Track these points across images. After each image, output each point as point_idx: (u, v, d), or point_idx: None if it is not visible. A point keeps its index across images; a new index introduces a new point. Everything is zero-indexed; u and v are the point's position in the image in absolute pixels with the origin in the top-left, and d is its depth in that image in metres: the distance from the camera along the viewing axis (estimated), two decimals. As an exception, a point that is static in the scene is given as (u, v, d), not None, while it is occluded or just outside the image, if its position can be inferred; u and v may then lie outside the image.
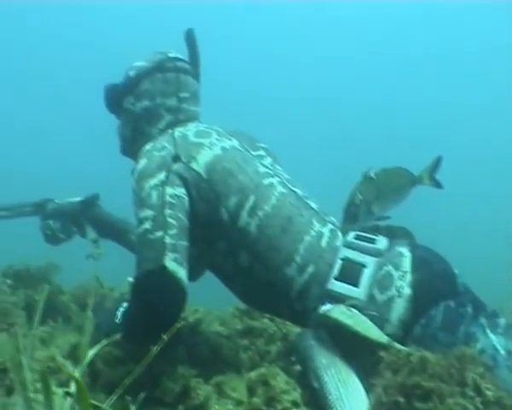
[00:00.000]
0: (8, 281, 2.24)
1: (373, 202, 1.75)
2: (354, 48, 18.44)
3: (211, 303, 2.45)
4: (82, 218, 2.23)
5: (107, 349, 1.67)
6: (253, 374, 1.44)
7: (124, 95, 1.88)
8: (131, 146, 1.88)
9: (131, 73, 1.89)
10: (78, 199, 2.25)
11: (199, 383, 1.53)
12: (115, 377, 1.54)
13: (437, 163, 1.88)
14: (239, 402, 1.44)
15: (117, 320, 1.69)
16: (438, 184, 1.89)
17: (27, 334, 1.65)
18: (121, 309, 1.71)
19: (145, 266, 1.53)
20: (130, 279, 2.41)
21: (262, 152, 1.87)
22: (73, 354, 1.66)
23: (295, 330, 2.05)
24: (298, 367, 1.85)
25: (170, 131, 1.79)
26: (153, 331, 1.55)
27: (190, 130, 1.79)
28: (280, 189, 1.74)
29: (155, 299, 1.51)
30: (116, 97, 1.89)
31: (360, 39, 18.44)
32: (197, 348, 1.85)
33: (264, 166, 1.80)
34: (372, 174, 1.77)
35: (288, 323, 2.07)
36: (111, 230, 2.22)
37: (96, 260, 2.17)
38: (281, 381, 1.39)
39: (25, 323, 1.82)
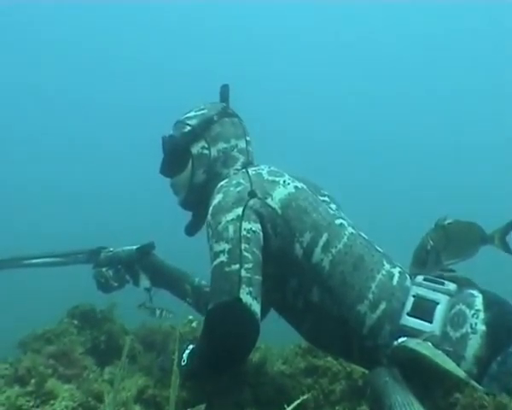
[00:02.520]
0: (75, 321, 2.29)
1: (442, 250, 1.76)
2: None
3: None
4: (137, 266, 2.23)
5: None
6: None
7: (192, 142, 1.89)
8: (202, 191, 1.88)
9: (194, 122, 1.92)
10: (133, 247, 2.26)
11: (268, 425, 1.51)
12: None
13: (509, 226, 1.84)
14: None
15: (183, 362, 1.70)
16: (507, 249, 1.85)
17: (97, 378, 1.70)
18: (187, 351, 1.73)
19: (220, 297, 1.53)
20: (190, 317, 2.45)
21: (327, 198, 1.89)
22: (140, 397, 1.68)
23: (360, 369, 2.00)
24: (364, 408, 1.82)
25: (243, 170, 1.84)
26: (223, 364, 1.57)
27: (263, 169, 1.82)
28: (350, 229, 1.77)
29: (229, 331, 1.51)
30: (183, 146, 1.90)
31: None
32: (262, 388, 1.83)
33: (331, 209, 1.83)
34: (445, 223, 1.77)
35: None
36: (165, 279, 2.21)
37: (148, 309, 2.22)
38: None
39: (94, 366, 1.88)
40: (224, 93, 2.04)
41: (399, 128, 17.43)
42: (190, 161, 1.89)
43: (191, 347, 1.74)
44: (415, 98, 18.24)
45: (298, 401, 1.35)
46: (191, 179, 1.90)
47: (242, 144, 1.94)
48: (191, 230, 2.01)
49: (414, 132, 17.13)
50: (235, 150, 1.91)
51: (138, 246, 2.24)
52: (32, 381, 1.55)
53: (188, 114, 1.96)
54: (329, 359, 2.11)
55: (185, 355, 1.72)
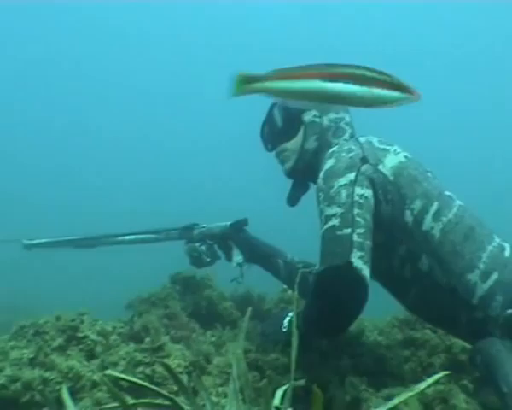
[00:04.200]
0: (177, 287, 2.40)
1: None
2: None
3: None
4: (230, 242, 2.28)
5: (275, 356, 1.75)
6: (429, 390, 1.40)
7: (304, 110, 1.91)
8: (312, 159, 1.90)
9: None
10: (227, 223, 2.30)
11: (370, 394, 1.54)
12: (283, 384, 1.59)
13: None
14: (412, 417, 1.41)
15: (284, 329, 1.76)
16: None
17: (204, 340, 1.79)
18: (287, 318, 1.78)
19: (331, 261, 1.55)
20: (285, 287, 2.49)
21: (430, 174, 1.85)
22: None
23: (460, 343, 1.97)
24: (465, 382, 1.79)
25: (353, 138, 1.85)
26: (330, 328, 1.59)
27: (373, 138, 1.82)
28: (458, 202, 1.74)
29: (338, 294, 1.52)
30: (297, 111, 1.91)
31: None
32: (361, 358, 1.86)
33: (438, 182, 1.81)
34: None
35: (450, 335, 2.01)
36: (258, 254, 2.24)
37: (240, 284, 2.28)
38: (461, 400, 1.34)
39: (199, 329, 1.98)
40: None
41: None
42: (302, 129, 1.91)
43: (291, 314, 1.79)
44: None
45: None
46: (302, 146, 1.90)
47: (348, 118, 1.95)
48: (293, 200, 2.04)
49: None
50: (343, 122, 1.92)
51: (232, 222, 2.29)
52: (147, 339, 1.66)
53: None
54: (427, 331, 2.09)
55: (286, 322, 1.77)
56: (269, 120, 2.00)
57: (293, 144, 1.93)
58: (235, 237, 2.26)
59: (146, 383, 0.85)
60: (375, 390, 1.64)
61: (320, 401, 0.80)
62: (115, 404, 0.90)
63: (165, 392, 0.82)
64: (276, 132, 1.97)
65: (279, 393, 1.18)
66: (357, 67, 1.24)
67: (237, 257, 2.23)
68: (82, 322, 1.78)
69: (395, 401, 0.86)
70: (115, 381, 1.55)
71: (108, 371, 0.82)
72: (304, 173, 1.95)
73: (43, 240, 2.39)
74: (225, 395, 1.48)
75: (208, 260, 2.30)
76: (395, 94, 1.25)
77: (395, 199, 1.67)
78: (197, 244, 2.29)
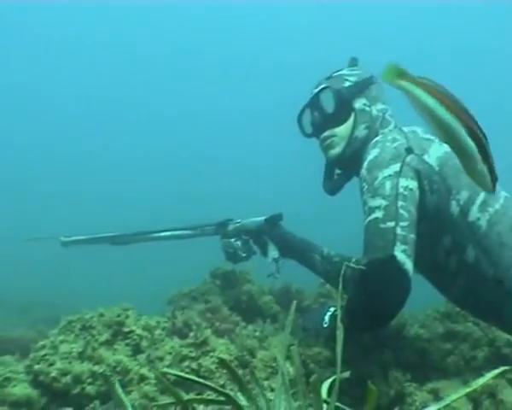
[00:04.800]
0: (217, 281, 2.42)
1: None
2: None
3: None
4: (265, 237, 2.25)
5: (317, 350, 1.76)
6: (476, 383, 1.39)
7: (355, 97, 1.90)
8: (360, 147, 1.88)
9: (353, 79, 1.92)
10: (262, 218, 2.28)
11: (414, 388, 1.53)
12: (326, 378, 1.60)
13: None
14: (460, 412, 1.41)
15: (325, 324, 1.76)
16: None
17: (248, 334, 1.81)
18: (328, 313, 1.78)
19: (374, 254, 1.55)
20: (322, 281, 2.49)
21: None
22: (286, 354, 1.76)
23: (504, 335, 1.94)
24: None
25: (397, 128, 1.85)
26: (372, 321, 1.59)
27: (417, 128, 1.81)
28: (504, 193, 1.74)
29: (381, 288, 1.52)
30: (348, 98, 1.89)
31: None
32: (403, 351, 1.85)
33: None
34: None
35: (494, 328, 1.98)
36: (294, 249, 2.20)
37: (276, 279, 2.24)
38: (509, 394, 1.33)
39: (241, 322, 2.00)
40: (354, 63, 2.03)
41: None
42: (352, 115, 1.88)
43: (333, 309, 1.80)
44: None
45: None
46: (352, 133, 1.88)
47: (390, 111, 1.94)
48: (334, 189, 2.03)
49: None
50: (388, 114, 1.92)
51: (267, 217, 2.27)
52: (191, 334, 1.69)
53: (341, 72, 1.96)
54: (470, 324, 2.07)
55: (327, 317, 1.78)
56: (315, 105, 1.96)
57: (342, 130, 1.90)
58: (270, 233, 2.24)
59: (205, 381, 0.87)
60: (419, 384, 1.63)
61: (375, 397, 0.80)
62: (170, 400, 0.92)
63: (221, 388, 0.84)
64: (324, 117, 1.94)
65: (325, 386, 1.19)
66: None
67: (273, 252, 2.20)
68: (127, 317, 1.81)
69: (453, 397, 0.85)
70: (157, 376, 1.60)
71: (166, 369, 0.84)
72: (349, 162, 1.92)
73: (80, 237, 2.43)
74: (271, 389, 1.50)
75: (244, 255, 2.29)
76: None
77: (441, 189, 1.66)
78: (232, 240, 2.29)
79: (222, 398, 0.86)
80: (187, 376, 0.86)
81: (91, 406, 1.51)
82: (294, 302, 1.20)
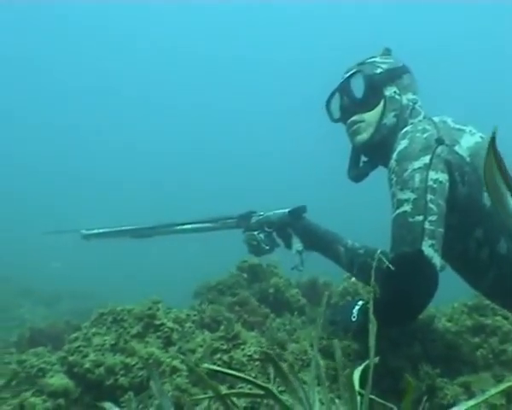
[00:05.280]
0: (244, 275, 2.44)
1: None
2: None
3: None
4: (289, 229, 2.21)
5: (347, 343, 1.76)
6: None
7: (386, 83, 1.87)
8: (388, 135, 1.85)
9: (385, 66, 1.90)
10: (285, 210, 2.24)
11: (445, 382, 1.53)
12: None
13: None
14: (493, 407, 1.41)
15: (353, 318, 1.76)
16: None
17: (278, 327, 1.83)
18: (357, 307, 1.78)
19: (401, 248, 1.54)
20: (347, 274, 2.48)
21: None
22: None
23: (534, 329, 1.93)
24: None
25: (427, 118, 1.82)
26: (399, 317, 1.58)
27: (447, 118, 1.79)
28: None
29: (408, 283, 1.51)
30: (379, 84, 1.87)
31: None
32: (432, 344, 1.85)
33: None
34: None
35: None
36: (318, 241, 2.17)
37: (300, 272, 2.20)
38: (543, 389, 1.32)
39: (271, 316, 2.01)
40: (387, 53, 2.00)
41: None
42: (382, 102, 1.86)
43: (361, 302, 1.79)
44: None
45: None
46: (381, 119, 1.86)
47: (421, 101, 1.92)
48: (359, 176, 2.02)
49: None
50: (418, 104, 1.89)
51: (290, 209, 2.23)
52: (222, 327, 1.71)
53: (373, 59, 1.94)
54: (498, 318, 2.06)
55: (355, 311, 1.77)
56: (345, 89, 1.94)
57: (371, 116, 1.87)
58: (293, 225, 2.20)
59: (248, 377, 0.88)
60: (450, 378, 1.63)
61: (412, 392, 0.81)
62: (203, 392, 0.93)
63: (261, 382, 0.85)
64: (353, 102, 1.92)
65: (356, 376, 1.19)
66: None
67: (297, 245, 2.17)
68: (158, 310, 1.84)
69: (492, 392, 0.85)
70: (192, 368, 1.62)
71: (206, 365, 0.85)
72: (376, 150, 1.90)
73: (101, 230, 2.44)
74: (303, 382, 1.51)
75: (267, 248, 2.25)
76: None
77: (472, 181, 1.63)
78: (255, 232, 2.25)
79: (260, 391, 0.87)
80: (229, 371, 0.88)
81: (126, 397, 1.54)
82: (326, 294, 1.20)
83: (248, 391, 0.98)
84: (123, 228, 2.45)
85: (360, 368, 1.13)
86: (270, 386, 0.87)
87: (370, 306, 1.09)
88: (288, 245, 2.22)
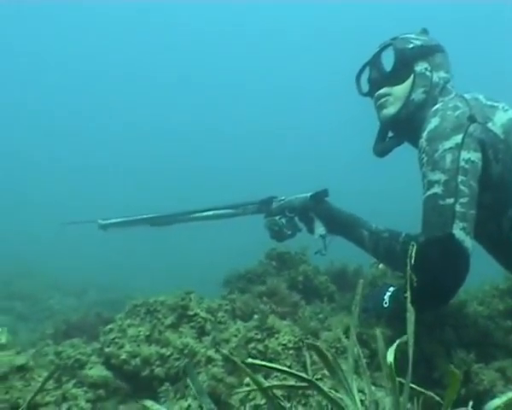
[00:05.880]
0: (273, 263, 2.43)
1: None
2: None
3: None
4: (311, 213, 2.20)
5: (380, 330, 1.76)
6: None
7: (417, 60, 1.85)
8: (416, 111, 1.83)
9: (418, 43, 1.87)
10: (307, 195, 2.23)
11: (481, 368, 1.53)
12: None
13: None
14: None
15: (385, 304, 1.76)
16: None
17: (311, 316, 1.83)
18: (388, 293, 1.78)
19: (432, 231, 1.53)
20: (375, 260, 2.46)
21: None
22: (348, 334, 1.78)
23: None
24: None
25: (458, 95, 1.79)
26: (430, 301, 1.56)
27: (478, 94, 1.76)
28: None
29: (439, 266, 1.50)
30: (410, 59, 1.84)
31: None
32: (464, 329, 1.84)
33: None
34: None
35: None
36: (341, 225, 2.15)
37: (324, 256, 2.19)
38: None
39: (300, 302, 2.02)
40: (423, 32, 1.97)
41: None
42: (411, 77, 1.83)
43: (392, 289, 1.79)
44: None
45: None
46: (409, 95, 1.83)
47: (453, 81, 1.88)
48: (384, 151, 1.98)
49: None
50: (449, 84, 1.86)
51: (312, 193, 2.22)
52: (255, 316, 1.73)
53: (407, 35, 1.91)
54: (532, 301, 2.04)
55: (387, 297, 1.77)
56: (376, 63, 1.92)
57: (399, 90, 1.85)
58: (316, 209, 2.19)
59: (293, 371, 0.89)
60: (484, 363, 1.62)
61: (458, 382, 0.81)
62: (251, 388, 0.95)
63: (304, 374, 0.86)
64: (382, 75, 1.89)
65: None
66: None
67: (319, 229, 2.16)
68: (190, 300, 1.86)
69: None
70: (227, 358, 1.64)
71: (250, 360, 0.86)
72: (403, 125, 1.87)
73: (118, 219, 2.45)
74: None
75: (289, 232, 2.25)
76: None
77: (506, 158, 1.61)
78: (277, 217, 2.25)
79: (304, 384, 0.88)
80: (275, 365, 0.89)
81: (163, 388, 1.57)
82: (361, 281, 1.20)
83: (291, 383, 0.99)
84: (141, 217, 2.45)
85: (391, 351, 1.12)
86: (312, 378, 0.88)
87: (408, 294, 1.09)
88: (311, 230, 2.22)
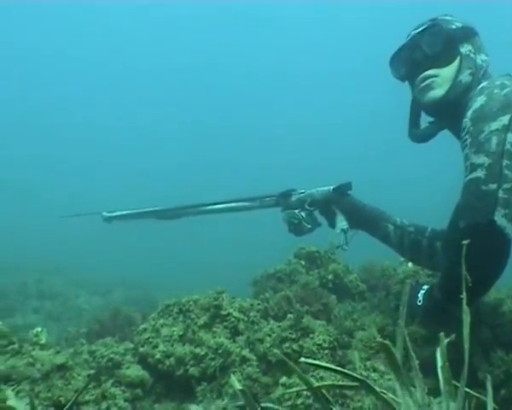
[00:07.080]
0: (302, 262, 2.43)
1: None
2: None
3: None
4: (333, 207, 2.11)
5: (414, 329, 1.75)
6: None
7: (462, 40, 1.81)
8: (463, 94, 1.78)
9: (459, 25, 1.83)
10: (329, 188, 2.14)
11: (522, 368, 1.50)
12: (423, 357, 1.58)
13: None
14: None
15: (419, 303, 1.73)
16: None
17: (346, 316, 1.82)
18: (422, 292, 1.75)
19: (473, 217, 1.47)
20: (402, 259, 2.42)
21: None
22: (382, 333, 1.77)
23: None
24: None
25: (505, 74, 1.72)
26: (470, 288, 1.53)
27: None
28: None
29: (479, 254, 1.43)
30: (456, 40, 1.81)
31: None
32: (501, 328, 1.81)
33: None
34: None
35: None
36: (364, 219, 2.09)
37: (345, 251, 2.10)
38: None
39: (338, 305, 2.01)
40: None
41: None
42: (458, 59, 1.79)
43: (426, 287, 1.77)
44: None
45: None
46: (457, 76, 1.78)
47: (490, 66, 1.84)
48: (424, 136, 1.93)
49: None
50: (489, 68, 1.83)
51: (335, 186, 2.13)
52: (289, 316, 1.72)
53: (446, 17, 1.87)
54: None
55: (421, 295, 1.75)
56: (417, 44, 1.85)
57: (446, 72, 1.79)
58: (338, 202, 2.11)
59: (345, 370, 0.88)
60: (523, 363, 1.60)
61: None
62: (301, 387, 0.94)
63: (356, 374, 0.85)
64: (425, 57, 1.82)
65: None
66: None
67: (341, 223, 2.07)
68: (223, 300, 1.86)
69: None
70: (262, 357, 1.64)
71: (303, 359, 0.85)
72: (448, 109, 1.80)
73: (123, 212, 2.37)
74: (374, 370, 1.51)
75: (309, 226, 2.14)
76: None
77: None
78: (296, 211, 2.14)
79: (355, 383, 0.88)
80: (328, 365, 0.88)
81: (200, 388, 1.57)
82: (408, 282, 1.18)
83: (342, 383, 0.98)
84: (148, 209, 2.36)
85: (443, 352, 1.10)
86: (365, 378, 0.87)
87: (463, 295, 1.04)
88: (332, 224, 2.14)
